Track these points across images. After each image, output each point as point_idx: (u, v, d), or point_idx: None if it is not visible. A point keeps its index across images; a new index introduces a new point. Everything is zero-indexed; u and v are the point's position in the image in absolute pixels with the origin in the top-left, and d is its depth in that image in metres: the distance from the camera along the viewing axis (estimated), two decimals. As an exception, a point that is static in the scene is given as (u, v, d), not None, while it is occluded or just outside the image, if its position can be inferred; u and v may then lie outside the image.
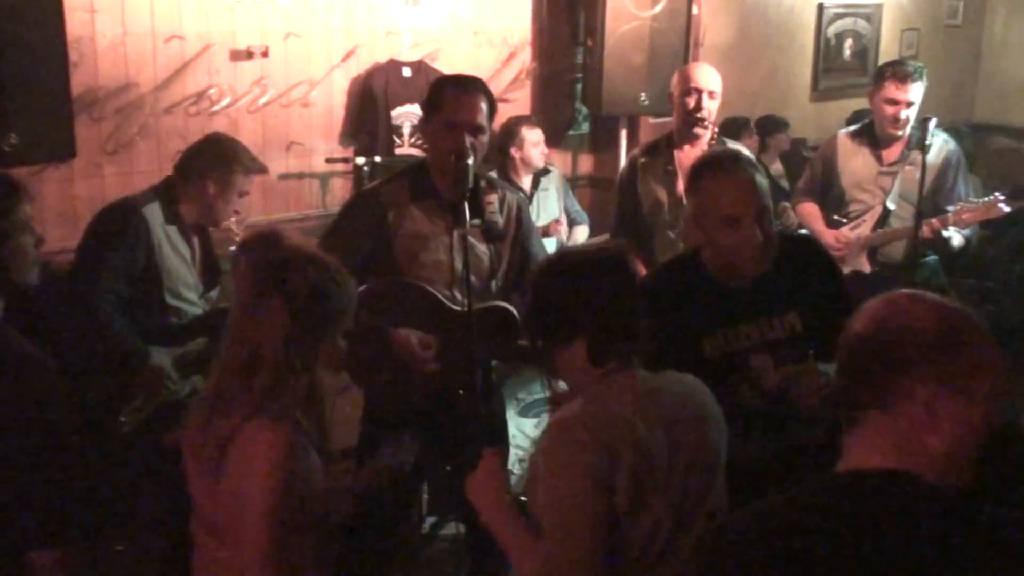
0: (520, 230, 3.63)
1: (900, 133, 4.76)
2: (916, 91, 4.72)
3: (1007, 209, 4.61)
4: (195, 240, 3.88)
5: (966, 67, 8.61)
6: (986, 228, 5.42)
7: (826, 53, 7.56)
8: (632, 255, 2.48)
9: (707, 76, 4.31)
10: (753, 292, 2.88)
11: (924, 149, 4.42)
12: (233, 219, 4.56)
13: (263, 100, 5.19)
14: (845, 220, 4.90)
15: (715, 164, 2.92)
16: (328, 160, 5.41)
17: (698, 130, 4.30)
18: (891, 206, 4.76)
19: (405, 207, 3.46)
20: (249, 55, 5.08)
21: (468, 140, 3.33)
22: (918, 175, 4.54)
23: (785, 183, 6.55)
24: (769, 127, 6.75)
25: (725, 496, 2.40)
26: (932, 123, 4.42)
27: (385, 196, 3.50)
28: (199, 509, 2.44)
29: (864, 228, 4.85)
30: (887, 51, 7.88)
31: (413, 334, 3.42)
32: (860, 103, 7.43)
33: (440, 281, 3.48)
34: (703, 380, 2.47)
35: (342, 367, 2.66)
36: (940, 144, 4.83)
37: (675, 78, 4.40)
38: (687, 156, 4.34)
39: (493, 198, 3.51)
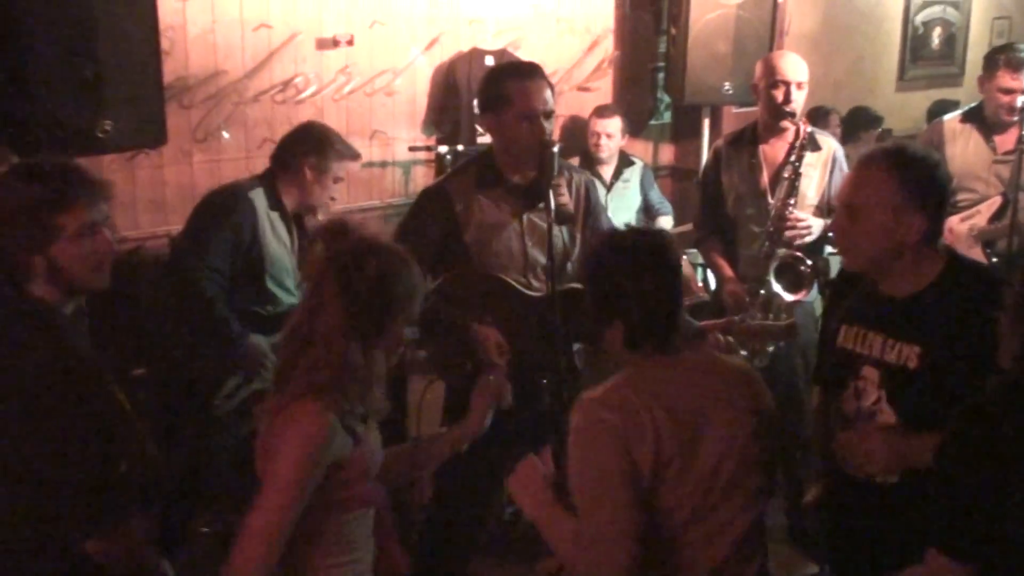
0: (589, 210, 3.64)
1: (1015, 119, 4.60)
2: None
3: None
4: (295, 229, 3.96)
5: (1059, 56, 8.37)
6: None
7: (913, 42, 7.41)
8: (671, 241, 2.52)
9: (794, 67, 4.21)
10: (899, 305, 2.68)
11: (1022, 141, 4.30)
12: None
13: (348, 88, 5.23)
14: (953, 210, 4.76)
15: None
16: (411, 148, 5.44)
17: (786, 123, 4.20)
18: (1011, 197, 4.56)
19: (473, 198, 3.48)
20: (335, 43, 5.11)
21: (545, 126, 3.38)
22: None
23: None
24: (862, 121, 6.59)
25: (767, 492, 2.46)
26: None
27: (452, 189, 3.53)
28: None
29: (979, 219, 4.70)
30: (977, 40, 7.69)
31: (494, 334, 3.42)
32: (947, 93, 7.30)
33: (514, 268, 3.50)
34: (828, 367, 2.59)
35: (401, 355, 2.75)
36: None
37: (760, 68, 4.29)
38: (772, 148, 4.28)
39: (561, 180, 3.49)
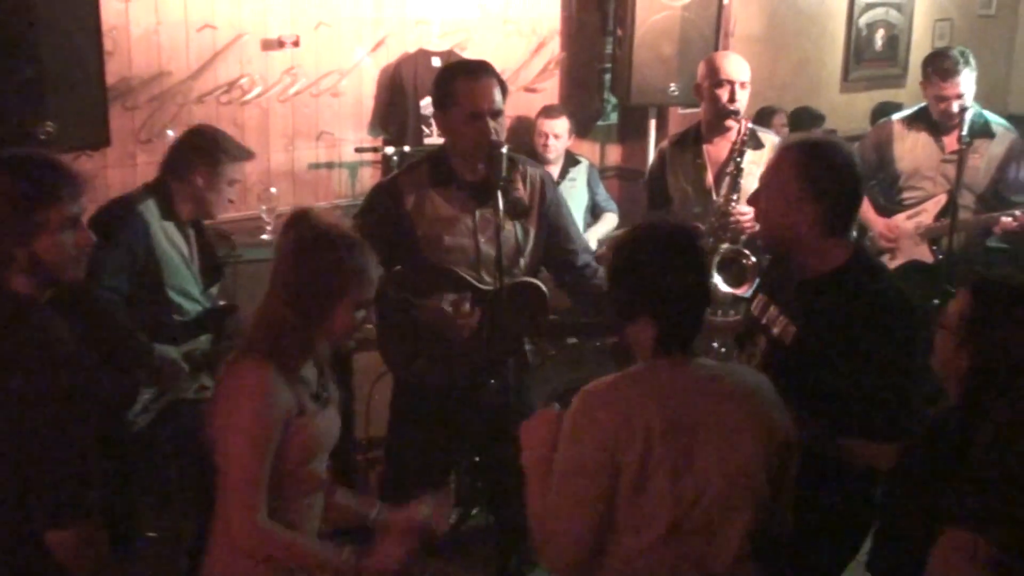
0: (545, 204, 3.65)
1: (956, 122, 4.70)
2: (965, 81, 4.67)
3: None
4: (192, 237, 3.89)
5: (1000, 58, 8.51)
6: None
7: (857, 43, 7.49)
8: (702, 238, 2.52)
9: (737, 67, 4.24)
10: (797, 286, 2.84)
11: (961, 140, 4.38)
12: (263, 208, 4.61)
13: (293, 89, 5.23)
14: (899, 208, 4.83)
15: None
16: (357, 150, 5.43)
17: (730, 122, 4.24)
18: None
19: (425, 193, 3.51)
20: (280, 44, 5.10)
21: (492, 126, 3.39)
22: (981, 163, 4.52)
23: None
24: (806, 120, 6.68)
25: (764, 517, 2.34)
26: (969, 113, 4.38)
27: (404, 184, 3.55)
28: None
29: (925, 217, 4.78)
30: (919, 42, 7.81)
31: (444, 300, 3.44)
32: (890, 94, 7.41)
33: (465, 263, 3.52)
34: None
35: (351, 337, 2.73)
36: (1002, 133, 4.79)
37: (702, 69, 4.32)
38: (716, 148, 4.32)
39: (516, 175, 3.54)
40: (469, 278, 3.51)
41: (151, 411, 3.71)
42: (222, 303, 4.01)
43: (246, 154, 3.96)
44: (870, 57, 7.60)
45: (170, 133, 4.83)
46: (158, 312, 3.77)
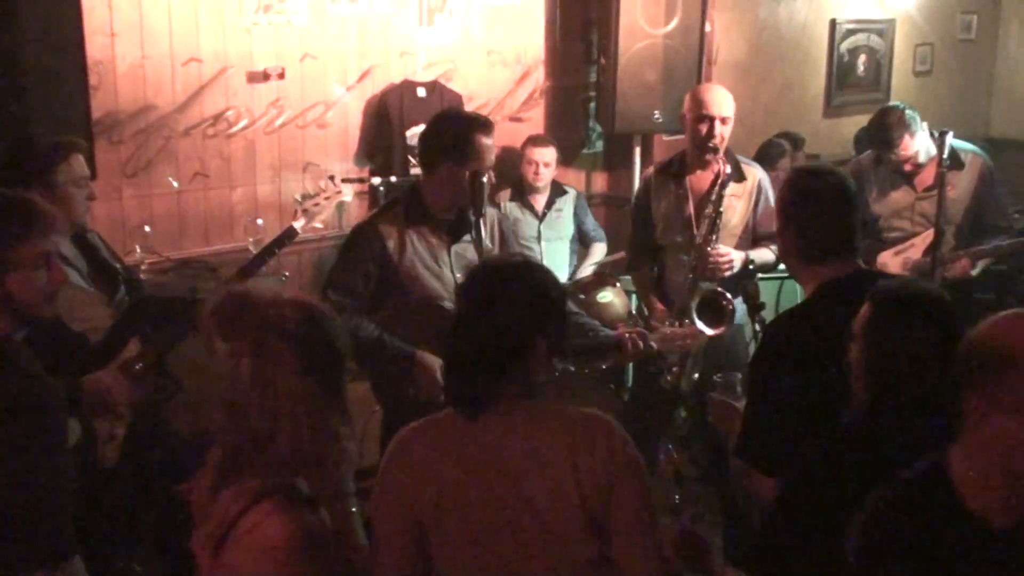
0: (504, 242, 3.84)
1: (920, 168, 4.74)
2: (912, 144, 4.65)
3: None
4: (79, 255, 3.69)
5: (981, 82, 8.60)
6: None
7: (839, 69, 7.56)
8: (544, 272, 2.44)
9: (719, 102, 4.24)
10: None
11: (942, 164, 4.36)
12: (251, 239, 4.57)
13: (279, 121, 5.24)
14: (884, 245, 4.84)
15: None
16: (344, 180, 5.41)
17: (709, 156, 4.25)
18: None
19: (403, 233, 3.65)
20: (266, 77, 5.12)
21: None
22: (955, 195, 4.54)
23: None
24: (786, 145, 6.71)
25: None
26: (949, 136, 4.38)
27: (382, 224, 3.68)
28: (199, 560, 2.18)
29: (914, 252, 4.73)
30: (901, 66, 7.89)
31: (437, 362, 3.53)
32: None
33: (447, 297, 3.63)
34: None
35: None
36: (972, 160, 4.79)
37: (688, 101, 4.33)
38: (698, 179, 4.35)
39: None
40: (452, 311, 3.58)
41: (114, 439, 3.52)
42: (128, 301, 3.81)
43: (78, 142, 3.69)
44: (852, 82, 7.67)
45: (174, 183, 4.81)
46: (71, 346, 3.38)
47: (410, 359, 3.59)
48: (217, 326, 2.07)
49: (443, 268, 3.67)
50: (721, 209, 4.18)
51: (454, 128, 3.64)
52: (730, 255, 4.19)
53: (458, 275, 3.63)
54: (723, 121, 4.23)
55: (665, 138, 6.22)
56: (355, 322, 3.56)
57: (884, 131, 4.70)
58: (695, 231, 4.25)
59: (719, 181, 4.20)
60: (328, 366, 2.09)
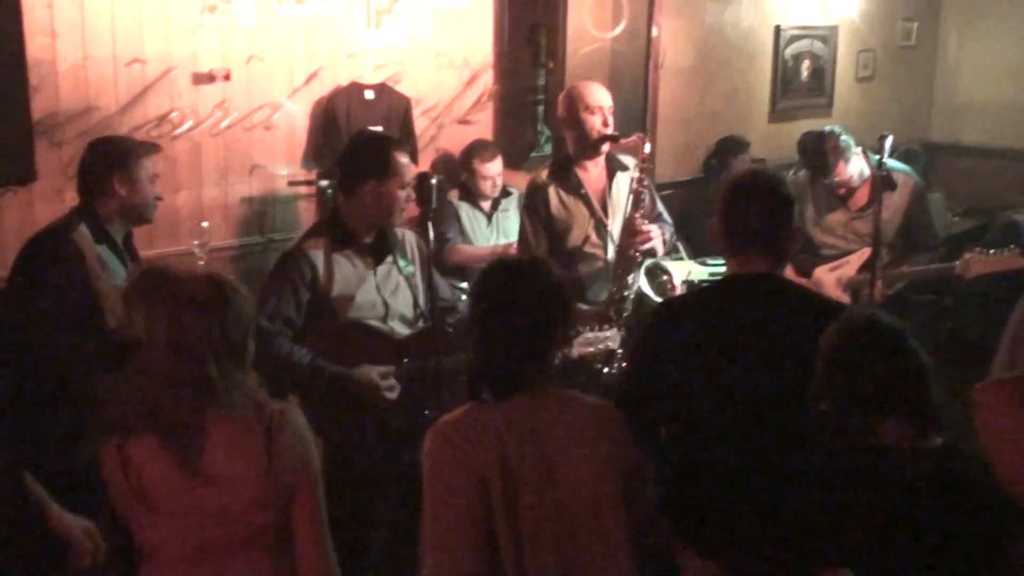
0: (424, 260, 3.91)
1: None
2: (847, 168, 4.83)
3: None
4: (126, 256, 3.74)
5: (921, 87, 8.74)
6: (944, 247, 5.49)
7: (784, 74, 7.64)
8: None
9: (606, 95, 4.43)
10: None
11: (882, 167, 4.45)
12: (196, 243, 4.52)
13: (225, 123, 5.19)
14: (821, 260, 4.94)
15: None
16: (291, 183, 5.41)
17: (605, 146, 4.40)
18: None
19: (330, 257, 3.73)
20: (211, 78, 5.07)
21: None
22: (887, 215, 4.65)
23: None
24: (731, 148, 6.80)
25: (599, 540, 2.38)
26: (888, 140, 4.45)
27: (310, 250, 3.73)
28: (178, 532, 2.37)
29: (849, 269, 4.85)
30: (843, 72, 8.00)
31: (372, 369, 3.64)
32: (817, 123, 7.51)
33: (375, 317, 3.76)
34: None
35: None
36: (903, 180, 4.92)
37: (565, 101, 4.46)
38: (590, 175, 4.47)
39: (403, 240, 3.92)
40: (383, 330, 3.77)
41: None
42: None
43: (154, 146, 3.93)
44: (797, 88, 7.76)
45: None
46: (103, 341, 3.48)
47: (347, 379, 3.62)
48: (136, 298, 2.33)
49: (370, 289, 3.75)
50: (645, 185, 4.33)
51: (373, 147, 3.79)
52: (653, 229, 4.32)
53: (386, 294, 3.77)
54: (610, 111, 4.41)
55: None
56: (287, 349, 3.60)
57: (820, 157, 4.87)
58: (605, 220, 4.39)
59: (644, 158, 4.38)
60: (237, 336, 2.36)
